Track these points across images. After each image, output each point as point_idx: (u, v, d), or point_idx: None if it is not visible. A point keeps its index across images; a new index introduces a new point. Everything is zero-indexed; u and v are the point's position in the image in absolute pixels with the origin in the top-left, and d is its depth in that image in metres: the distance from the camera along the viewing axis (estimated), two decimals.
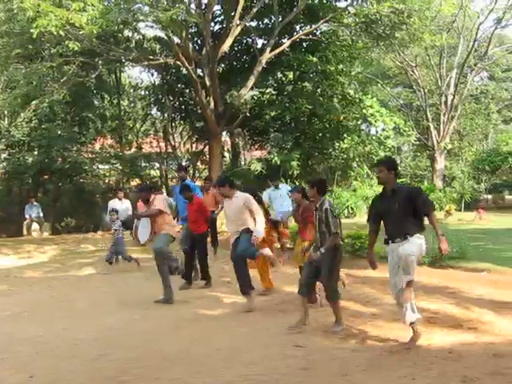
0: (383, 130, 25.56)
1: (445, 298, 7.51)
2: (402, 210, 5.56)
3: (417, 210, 5.57)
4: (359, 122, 25.63)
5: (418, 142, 33.98)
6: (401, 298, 5.57)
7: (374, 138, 25.80)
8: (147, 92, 28.22)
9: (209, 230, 10.24)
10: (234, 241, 7.80)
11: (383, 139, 25.01)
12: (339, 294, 6.36)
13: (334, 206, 6.58)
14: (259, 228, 7.57)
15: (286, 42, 21.15)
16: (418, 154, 40.30)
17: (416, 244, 5.53)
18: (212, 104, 20.09)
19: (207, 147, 24.14)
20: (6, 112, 23.03)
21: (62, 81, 18.69)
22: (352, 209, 19.68)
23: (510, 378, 4.51)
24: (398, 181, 6.65)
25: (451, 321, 6.35)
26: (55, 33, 13.68)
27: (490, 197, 27.68)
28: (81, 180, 26.72)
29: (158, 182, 28.39)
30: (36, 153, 24.33)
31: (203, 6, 20.24)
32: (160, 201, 8.49)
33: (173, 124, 28.05)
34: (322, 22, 20.39)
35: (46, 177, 25.13)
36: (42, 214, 20.75)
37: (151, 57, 20.45)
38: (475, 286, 7.30)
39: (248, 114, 21.14)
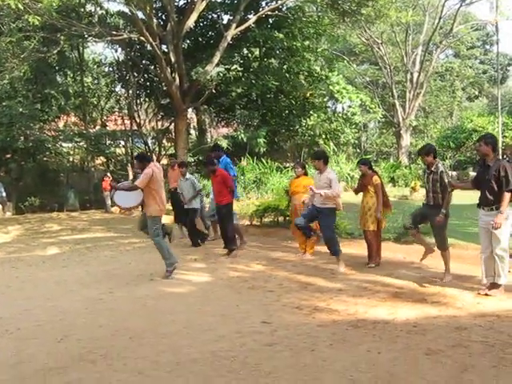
0: (349, 106, 25.68)
1: (410, 273, 7.65)
2: (489, 182, 6.24)
3: (498, 184, 6.16)
4: (326, 99, 25.71)
5: (383, 119, 34.28)
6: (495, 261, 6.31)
7: (340, 115, 25.91)
8: (111, 68, 27.82)
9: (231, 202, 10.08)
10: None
11: (350, 116, 25.14)
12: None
13: (446, 168, 7.46)
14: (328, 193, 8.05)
15: (252, 18, 20.97)
16: (384, 131, 40.70)
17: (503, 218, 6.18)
18: (177, 80, 19.86)
19: (173, 124, 23.92)
20: None
21: (22, 56, 18.27)
22: None
23: (471, 350, 4.61)
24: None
25: (416, 295, 6.46)
26: (14, 6, 13.30)
27: (454, 173, 28.05)
28: (44, 159, 26.31)
29: (124, 160, 28.09)
30: None
31: None
32: (145, 175, 7.80)
33: (138, 101, 27.75)
34: None
35: (8, 156, 24.65)
36: (4, 194, 20.35)
37: (115, 32, 20.09)
38: (439, 260, 7.41)
39: (214, 91, 20.99)
